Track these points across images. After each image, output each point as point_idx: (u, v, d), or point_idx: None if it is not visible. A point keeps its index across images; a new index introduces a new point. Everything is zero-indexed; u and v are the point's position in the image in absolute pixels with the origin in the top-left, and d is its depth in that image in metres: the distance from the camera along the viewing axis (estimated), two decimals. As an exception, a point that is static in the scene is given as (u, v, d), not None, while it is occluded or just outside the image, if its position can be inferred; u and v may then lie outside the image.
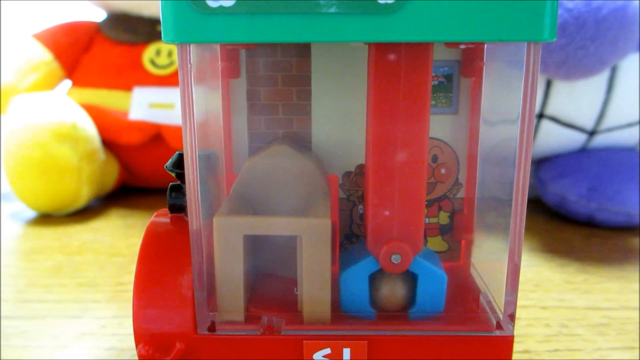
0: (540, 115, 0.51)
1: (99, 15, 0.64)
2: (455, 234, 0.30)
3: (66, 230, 0.49)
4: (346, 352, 0.24)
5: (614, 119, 0.51)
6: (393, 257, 0.24)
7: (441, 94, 0.28)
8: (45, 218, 0.53)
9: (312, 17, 0.20)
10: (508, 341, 0.24)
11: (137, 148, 0.57)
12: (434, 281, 0.25)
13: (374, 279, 0.25)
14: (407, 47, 0.22)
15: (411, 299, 0.25)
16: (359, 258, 0.25)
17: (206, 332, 0.24)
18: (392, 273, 0.25)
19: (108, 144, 0.57)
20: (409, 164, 0.23)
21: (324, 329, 0.24)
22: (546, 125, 0.51)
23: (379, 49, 0.22)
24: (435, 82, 0.28)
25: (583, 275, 0.40)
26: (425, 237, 0.30)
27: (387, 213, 0.24)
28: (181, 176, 0.26)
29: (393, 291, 0.25)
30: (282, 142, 0.27)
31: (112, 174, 0.58)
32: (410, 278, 0.25)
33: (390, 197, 0.24)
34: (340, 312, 0.25)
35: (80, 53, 0.61)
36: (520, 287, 0.24)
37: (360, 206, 0.29)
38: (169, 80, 0.58)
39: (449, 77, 0.28)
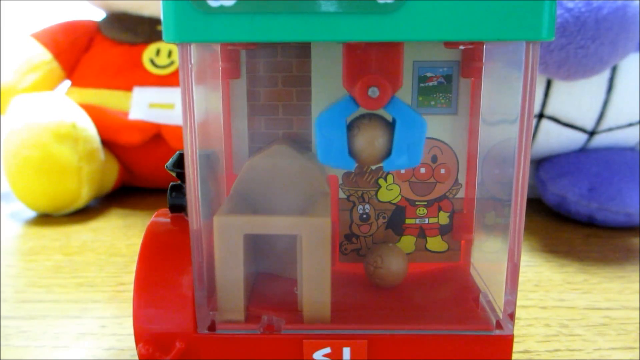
0: (540, 115, 0.51)
1: (98, 15, 0.64)
2: (455, 234, 0.30)
3: (66, 230, 0.49)
4: (346, 352, 0.24)
5: (614, 119, 0.51)
6: (370, 90, 0.22)
7: (440, 95, 0.28)
8: (45, 218, 0.53)
9: (312, 17, 0.20)
10: (508, 340, 0.24)
11: (137, 148, 0.57)
12: (413, 127, 0.23)
13: (352, 127, 0.23)
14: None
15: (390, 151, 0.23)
16: (336, 102, 0.23)
17: (206, 332, 0.24)
18: (369, 109, 0.23)
19: (108, 144, 0.57)
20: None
21: (324, 328, 0.24)
22: (546, 125, 0.51)
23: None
24: (435, 83, 0.28)
25: (583, 275, 0.40)
26: (425, 237, 0.30)
27: (364, 45, 0.22)
28: (181, 176, 0.26)
29: (371, 139, 0.23)
30: (282, 143, 0.27)
31: (112, 174, 0.58)
32: (391, 128, 0.23)
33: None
34: (340, 312, 0.25)
35: (80, 53, 0.61)
36: (520, 287, 0.24)
37: (360, 206, 0.29)
38: (169, 80, 0.58)
39: (448, 78, 0.28)
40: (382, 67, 0.22)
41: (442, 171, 0.29)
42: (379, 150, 0.23)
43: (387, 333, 0.24)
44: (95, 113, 0.56)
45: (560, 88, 0.49)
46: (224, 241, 0.24)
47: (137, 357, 0.24)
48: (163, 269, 0.24)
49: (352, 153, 0.23)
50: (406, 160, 0.23)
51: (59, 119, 0.51)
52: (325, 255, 0.24)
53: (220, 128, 0.28)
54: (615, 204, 0.48)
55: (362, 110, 0.23)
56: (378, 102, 0.22)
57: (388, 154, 0.23)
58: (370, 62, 0.22)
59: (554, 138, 0.52)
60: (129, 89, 0.58)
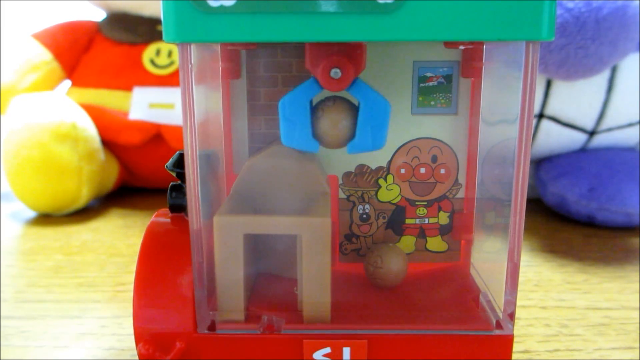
0: (541, 115, 0.51)
1: (98, 15, 0.64)
2: (455, 234, 0.30)
3: (66, 230, 0.49)
4: (346, 352, 0.24)
5: (614, 119, 0.51)
6: (332, 71, 0.22)
7: (441, 95, 0.28)
8: (45, 218, 0.53)
9: (312, 17, 0.20)
10: (508, 340, 0.24)
11: (137, 148, 0.57)
12: (376, 109, 0.23)
13: (316, 109, 0.23)
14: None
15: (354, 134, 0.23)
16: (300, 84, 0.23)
17: (206, 332, 0.24)
18: (332, 91, 0.23)
19: (108, 144, 0.57)
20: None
21: (324, 328, 0.24)
22: (546, 125, 0.51)
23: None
24: (435, 83, 0.28)
25: (583, 275, 0.40)
26: (425, 237, 0.30)
27: None
28: (181, 176, 0.26)
29: (335, 122, 0.23)
30: (282, 143, 0.27)
31: (112, 174, 0.58)
32: (355, 111, 0.23)
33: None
34: (340, 312, 0.25)
35: (80, 53, 0.62)
36: (520, 287, 0.24)
37: (360, 206, 0.29)
38: (169, 80, 0.58)
39: (448, 78, 0.28)
40: (346, 48, 0.22)
41: (442, 171, 0.29)
42: (342, 132, 0.23)
43: (387, 333, 0.24)
44: (95, 113, 0.56)
45: (560, 88, 0.49)
46: (224, 241, 0.24)
47: (137, 357, 0.24)
48: (163, 269, 0.24)
49: (316, 135, 0.23)
50: (370, 143, 0.23)
51: (59, 119, 0.51)
52: (325, 255, 0.24)
53: (220, 128, 0.28)
54: (615, 204, 0.48)
55: (328, 94, 0.23)
56: (340, 84, 0.22)
57: (352, 136, 0.23)
58: (334, 43, 0.22)
59: (554, 138, 0.52)
60: (129, 89, 0.58)
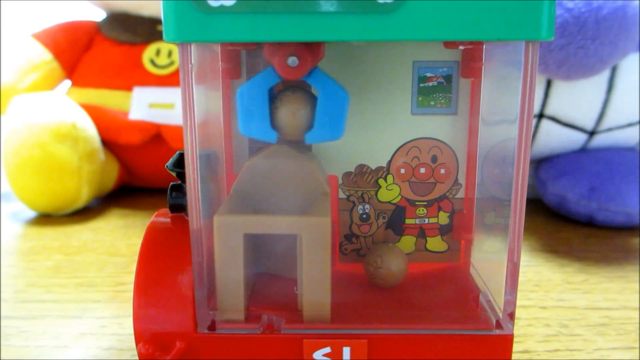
0: (540, 115, 0.51)
1: (98, 15, 0.64)
2: (455, 234, 0.30)
3: (66, 230, 0.49)
4: (346, 351, 0.24)
5: (614, 119, 0.51)
6: (290, 59, 0.22)
7: (440, 95, 0.28)
8: (45, 218, 0.53)
9: (312, 17, 0.20)
10: (507, 340, 0.24)
11: (137, 148, 0.57)
12: (334, 99, 0.23)
13: (275, 99, 0.23)
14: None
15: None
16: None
17: (206, 331, 0.24)
18: (289, 79, 0.22)
19: (108, 144, 0.57)
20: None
21: (324, 328, 0.24)
22: (546, 125, 0.51)
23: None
24: (435, 83, 0.28)
25: (583, 275, 0.40)
26: (425, 237, 0.30)
27: None
28: (181, 176, 0.26)
29: (293, 111, 0.23)
30: (282, 143, 0.27)
31: (112, 174, 0.58)
32: (314, 101, 0.23)
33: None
34: (340, 312, 0.25)
35: (80, 53, 0.62)
36: (520, 287, 0.24)
37: (360, 206, 0.29)
38: (169, 80, 0.58)
39: (448, 78, 0.28)
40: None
41: (442, 171, 0.29)
42: (300, 122, 0.23)
43: (387, 333, 0.24)
44: (95, 113, 0.56)
45: (560, 88, 0.49)
46: (224, 241, 0.24)
47: (137, 357, 0.24)
48: (163, 269, 0.24)
49: (275, 125, 0.23)
50: (328, 133, 0.23)
51: (59, 119, 0.51)
52: (325, 255, 0.24)
53: (220, 128, 0.28)
54: (615, 204, 0.48)
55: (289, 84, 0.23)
56: (297, 72, 0.22)
57: (311, 126, 0.23)
58: None
59: (554, 138, 0.52)
60: (129, 89, 0.58)
